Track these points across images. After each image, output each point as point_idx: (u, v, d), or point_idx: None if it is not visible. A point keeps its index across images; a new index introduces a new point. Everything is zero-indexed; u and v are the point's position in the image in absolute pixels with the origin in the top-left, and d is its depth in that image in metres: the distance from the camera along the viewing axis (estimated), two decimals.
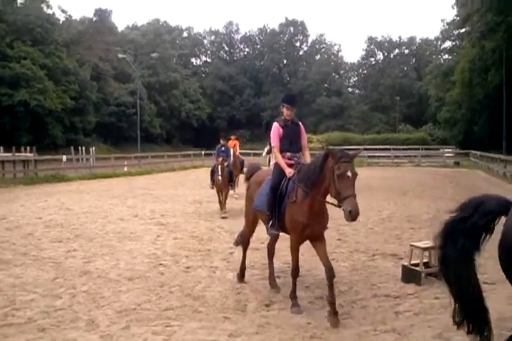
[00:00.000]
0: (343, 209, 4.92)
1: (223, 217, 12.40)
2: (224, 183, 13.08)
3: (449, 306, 5.69)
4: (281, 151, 6.07)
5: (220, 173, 12.95)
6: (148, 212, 13.42)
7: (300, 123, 6.29)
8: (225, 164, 13.45)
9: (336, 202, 5.19)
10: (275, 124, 6.16)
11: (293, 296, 5.75)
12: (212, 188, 13.66)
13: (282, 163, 5.95)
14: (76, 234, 10.17)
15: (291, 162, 6.01)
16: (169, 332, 4.96)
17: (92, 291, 6.31)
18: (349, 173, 4.96)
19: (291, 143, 6.11)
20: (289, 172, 5.80)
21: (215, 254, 8.40)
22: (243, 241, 7.00)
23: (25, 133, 49.69)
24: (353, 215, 4.84)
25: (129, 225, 11.25)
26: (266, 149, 19.65)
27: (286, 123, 6.12)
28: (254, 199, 6.34)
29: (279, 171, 5.98)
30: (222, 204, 13.05)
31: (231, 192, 15.15)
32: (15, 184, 21.31)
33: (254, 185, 6.54)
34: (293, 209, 5.56)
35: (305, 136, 6.36)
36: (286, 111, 6.11)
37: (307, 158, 6.20)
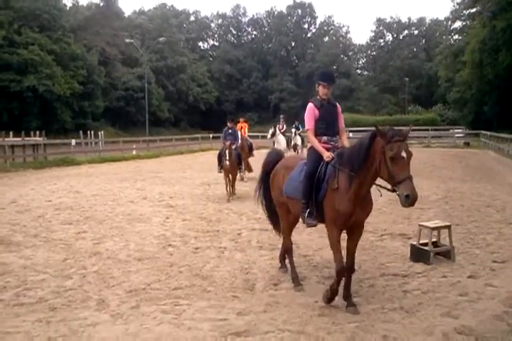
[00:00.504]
0: (398, 194, 4.46)
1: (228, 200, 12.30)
2: (232, 167, 12.71)
3: (457, 284, 5.74)
4: (317, 135, 5.50)
5: (227, 158, 12.43)
6: (157, 194, 13.46)
7: (337, 104, 5.72)
8: (233, 147, 13.08)
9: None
10: (310, 105, 5.55)
11: (333, 292, 5.10)
12: (220, 172, 13.27)
13: (318, 145, 5.38)
14: (86, 216, 10.25)
15: (328, 146, 5.44)
16: (178, 311, 5.02)
17: (102, 272, 6.38)
18: (404, 154, 4.48)
19: (327, 126, 5.51)
20: (327, 156, 5.22)
21: (223, 235, 8.43)
22: (285, 239, 6.31)
23: (34, 119, 49.83)
24: (410, 200, 4.37)
25: (138, 207, 11.31)
26: (270, 131, 19.49)
27: (323, 104, 5.53)
28: (284, 185, 5.74)
29: (315, 155, 5.38)
30: (230, 188, 12.79)
31: (239, 175, 15.03)
32: (25, 168, 21.42)
33: (283, 171, 5.90)
34: (335, 197, 4.98)
35: (342, 118, 5.76)
36: (322, 90, 5.53)
37: (345, 142, 5.60)
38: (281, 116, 21.68)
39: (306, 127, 5.57)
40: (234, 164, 12.78)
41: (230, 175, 12.81)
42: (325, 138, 5.50)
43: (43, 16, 54.30)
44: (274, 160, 6.36)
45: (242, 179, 16.15)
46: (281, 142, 19.13)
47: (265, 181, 6.38)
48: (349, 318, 4.79)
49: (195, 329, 4.57)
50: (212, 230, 8.83)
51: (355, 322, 4.70)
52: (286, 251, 6.25)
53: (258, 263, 6.71)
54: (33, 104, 50.95)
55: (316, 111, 5.50)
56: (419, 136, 43.11)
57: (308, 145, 5.66)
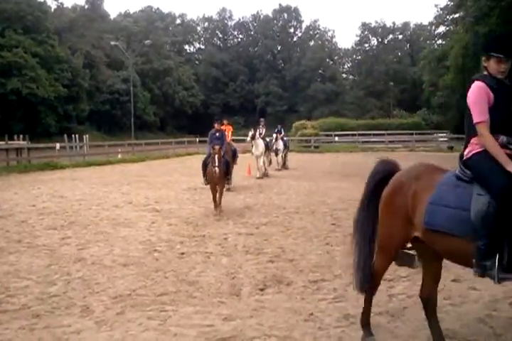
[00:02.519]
0: None
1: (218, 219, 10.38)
2: (221, 176, 10.92)
3: (442, 289, 5.78)
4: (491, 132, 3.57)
5: (217, 164, 10.61)
6: (142, 198, 13.39)
7: None
8: (222, 153, 11.33)
9: None
10: (479, 85, 3.64)
11: None
12: (206, 184, 11.42)
13: (499, 150, 3.50)
14: (70, 221, 10.15)
15: (507, 152, 3.55)
16: (164, 317, 4.97)
17: (86, 277, 6.31)
18: None
19: (507, 120, 3.59)
20: None
21: (209, 240, 8.40)
22: (372, 282, 4.39)
23: (17, 122, 49.41)
24: None
25: (123, 212, 11.23)
26: (250, 134, 19.13)
27: (499, 85, 3.63)
28: (425, 212, 3.70)
29: (495, 165, 3.49)
30: (217, 202, 11.03)
31: (226, 186, 13.16)
32: (8, 172, 21.17)
33: (414, 188, 3.85)
34: None
35: None
36: (497, 66, 3.63)
37: None
38: (261, 119, 20.91)
39: (477, 119, 3.59)
40: (222, 172, 10.99)
41: (218, 186, 11.08)
42: (503, 138, 3.59)
43: (27, 18, 54.00)
44: (385, 173, 4.27)
45: (228, 189, 14.56)
46: (259, 146, 18.82)
47: (372, 206, 4.28)
48: (335, 323, 4.80)
49: (181, 336, 4.54)
50: (199, 235, 8.79)
51: (341, 326, 4.71)
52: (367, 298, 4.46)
53: (244, 268, 6.69)
54: (17, 107, 50.56)
55: (491, 94, 3.58)
56: (403, 140, 43.54)
57: (475, 147, 3.73)
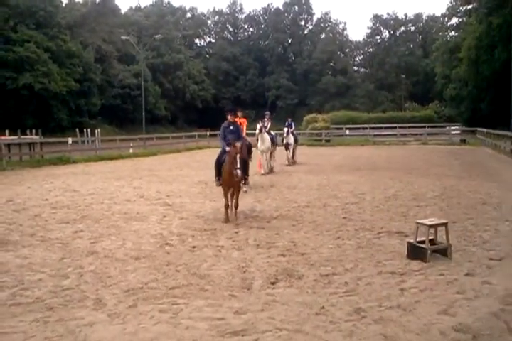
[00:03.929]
0: None
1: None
2: (240, 179, 9.61)
3: (454, 282, 5.75)
4: None
5: (238, 166, 9.03)
6: (153, 192, 13.43)
7: None
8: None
9: None
10: None
11: None
12: (219, 186, 9.99)
13: None
14: (82, 215, 10.22)
15: None
16: (176, 310, 5.00)
17: (99, 271, 6.36)
18: None
19: None
20: None
21: (220, 233, 8.41)
22: None
23: (30, 117, 49.78)
24: None
25: (135, 206, 11.28)
26: (258, 126, 18.43)
27: None
28: None
29: None
30: (233, 208, 9.80)
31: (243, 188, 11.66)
32: (21, 166, 21.38)
33: None
34: None
35: None
36: None
37: None
38: (267, 113, 20.22)
39: None
40: (243, 175, 9.53)
41: (233, 189, 9.75)
42: None
43: (39, 13, 54.22)
44: None
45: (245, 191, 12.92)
46: (265, 141, 17.80)
47: None
48: (346, 317, 4.79)
49: (193, 329, 4.56)
50: (210, 229, 8.80)
51: (352, 320, 4.70)
52: None
53: (255, 262, 6.69)
54: (29, 102, 50.92)
55: None
56: (415, 133, 43.26)
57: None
